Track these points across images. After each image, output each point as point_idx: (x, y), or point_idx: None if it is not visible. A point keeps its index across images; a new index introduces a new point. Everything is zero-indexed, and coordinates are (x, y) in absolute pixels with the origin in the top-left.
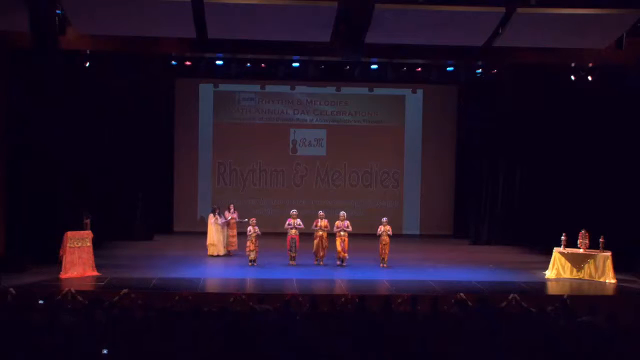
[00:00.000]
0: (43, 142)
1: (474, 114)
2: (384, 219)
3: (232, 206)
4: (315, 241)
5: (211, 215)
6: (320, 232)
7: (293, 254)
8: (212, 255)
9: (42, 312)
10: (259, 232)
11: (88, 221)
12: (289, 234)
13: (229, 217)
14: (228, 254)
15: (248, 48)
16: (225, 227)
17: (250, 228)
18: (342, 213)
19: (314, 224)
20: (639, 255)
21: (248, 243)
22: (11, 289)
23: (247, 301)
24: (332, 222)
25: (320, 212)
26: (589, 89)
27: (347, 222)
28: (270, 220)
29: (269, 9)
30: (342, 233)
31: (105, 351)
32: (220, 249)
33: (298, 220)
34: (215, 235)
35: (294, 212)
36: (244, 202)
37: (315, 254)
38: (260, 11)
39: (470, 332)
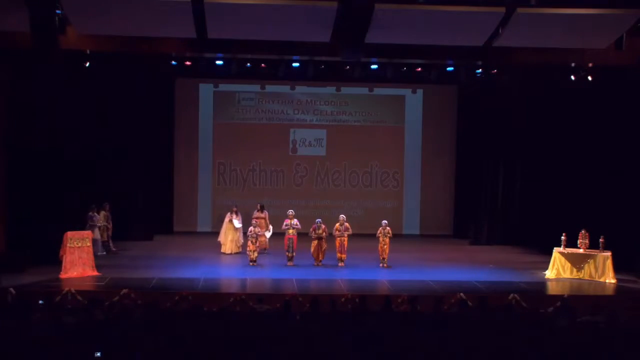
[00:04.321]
0: (43, 142)
1: (474, 114)
2: (384, 222)
3: (259, 205)
4: (314, 244)
5: (229, 214)
6: (318, 240)
7: (290, 255)
8: (224, 253)
9: (42, 312)
10: (259, 232)
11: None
12: (286, 234)
13: (257, 218)
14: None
15: (248, 48)
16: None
17: (251, 228)
18: (342, 217)
19: (311, 229)
20: (639, 255)
21: (248, 243)
22: (11, 289)
23: (247, 301)
24: (330, 224)
25: (318, 220)
26: (589, 89)
27: (346, 225)
28: (270, 220)
29: (269, 9)
30: (341, 235)
31: (98, 354)
32: (231, 247)
33: (295, 221)
34: (229, 234)
35: (290, 212)
36: (244, 202)
37: (314, 257)
38: (260, 11)
39: (471, 332)
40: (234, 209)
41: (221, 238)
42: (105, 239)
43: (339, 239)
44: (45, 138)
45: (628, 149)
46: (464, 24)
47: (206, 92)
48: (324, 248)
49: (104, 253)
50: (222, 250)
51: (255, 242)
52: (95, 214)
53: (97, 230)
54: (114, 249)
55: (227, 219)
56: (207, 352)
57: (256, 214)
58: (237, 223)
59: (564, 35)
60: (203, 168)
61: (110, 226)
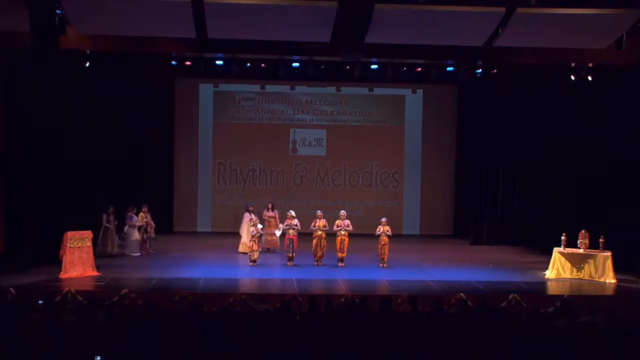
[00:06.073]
0: (43, 142)
1: (474, 114)
2: (383, 219)
3: (270, 204)
4: (314, 241)
5: (247, 214)
6: (319, 232)
7: (291, 255)
8: (244, 253)
9: (42, 312)
10: (261, 232)
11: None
12: (287, 234)
13: (267, 217)
14: (267, 251)
15: (248, 48)
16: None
17: (252, 228)
18: (343, 212)
19: (313, 223)
20: (639, 255)
21: (250, 243)
22: (11, 289)
23: (247, 301)
24: (331, 222)
25: (319, 212)
26: (589, 89)
27: (347, 222)
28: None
29: (269, 9)
30: (342, 232)
31: (98, 358)
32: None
33: (295, 221)
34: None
35: (290, 212)
36: (244, 202)
37: (314, 254)
38: (260, 11)
39: (471, 332)
40: (251, 208)
41: (243, 239)
42: (143, 240)
43: (339, 237)
44: (45, 138)
45: (628, 148)
46: (464, 24)
47: (206, 92)
48: (323, 245)
49: (139, 254)
50: (243, 250)
51: (258, 241)
52: (134, 214)
53: (135, 231)
54: (151, 251)
55: (246, 219)
56: (207, 352)
57: (267, 213)
58: (278, 232)
59: (564, 35)
60: (203, 168)
61: (150, 228)
